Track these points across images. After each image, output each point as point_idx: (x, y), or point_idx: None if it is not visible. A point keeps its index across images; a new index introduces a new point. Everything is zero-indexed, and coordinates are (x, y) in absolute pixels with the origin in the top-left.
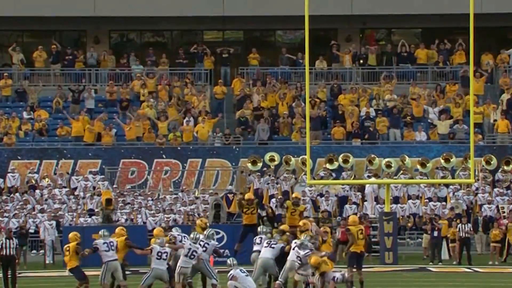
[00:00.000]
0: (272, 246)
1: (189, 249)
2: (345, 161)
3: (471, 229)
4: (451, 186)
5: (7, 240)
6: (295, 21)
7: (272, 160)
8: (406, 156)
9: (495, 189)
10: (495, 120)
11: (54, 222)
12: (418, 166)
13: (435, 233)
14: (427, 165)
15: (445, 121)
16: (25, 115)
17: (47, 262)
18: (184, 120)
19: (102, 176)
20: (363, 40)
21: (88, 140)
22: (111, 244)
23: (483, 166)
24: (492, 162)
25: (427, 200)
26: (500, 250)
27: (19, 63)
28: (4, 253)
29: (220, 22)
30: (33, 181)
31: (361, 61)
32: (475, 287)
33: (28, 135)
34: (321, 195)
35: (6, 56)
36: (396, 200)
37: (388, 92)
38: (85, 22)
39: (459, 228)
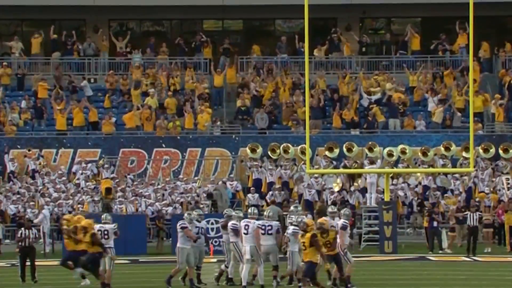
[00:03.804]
0: (269, 232)
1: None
2: (349, 150)
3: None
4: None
5: (26, 231)
6: (294, 10)
7: (273, 151)
8: (407, 147)
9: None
10: (501, 104)
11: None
12: (420, 155)
13: (435, 223)
14: (428, 154)
15: (438, 109)
16: (24, 104)
17: (47, 251)
18: (185, 108)
19: (106, 166)
20: (363, 29)
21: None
22: (105, 232)
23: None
24: (490, 150)
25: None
26: (493, 235)
27: (21, 53)
28: (23, 243)
29: (219, 11)
30: (30, 167)
31: (364, 49)
32: (474, 275)
33: (28, 124)
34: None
35: (6, 45)
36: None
37: (387, 81)
38: (85, 11)
39: (469, 217)
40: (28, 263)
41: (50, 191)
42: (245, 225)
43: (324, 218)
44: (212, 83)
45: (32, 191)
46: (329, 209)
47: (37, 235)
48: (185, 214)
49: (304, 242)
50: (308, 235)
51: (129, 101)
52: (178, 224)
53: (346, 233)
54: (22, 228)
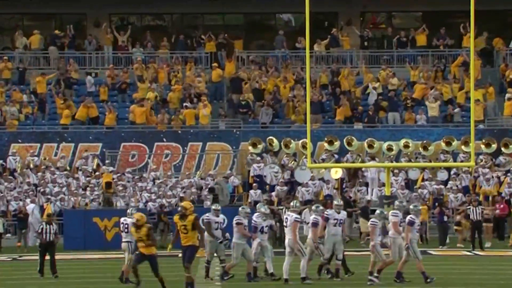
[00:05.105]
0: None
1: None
2: (349, 143)
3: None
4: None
5: (47, 226)
6: (295, 4)
7: (270, 144)
8: (410, 141)
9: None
10: (509, 99)
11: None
12: (421, 149)
13: (445, 218)
14: (429, 148)
15: (436, 103)
16: (25, 98)
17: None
18: (185, 104)
19: (107, 161)
20: (364, 24)
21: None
22: (126, 225)
23: (482, 150)
24: (492, 146)
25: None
26: (492, 230)
27: (26, 46)
28: (44, 238)
29: (220, 5)
30: (32, 164)
31: (366, 44)
32: (476, 270)
33: (29, 119)
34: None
35: (7, 40)
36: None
37: (389, 76)
38: (86, 5)
39: (472, 211)
40: (47, 258)
41: (50, 186)
42: (286, 217)
43: (188, 202)
44: (211, 77)
45: (32, 186)
46: (397, 202)
47: (57, 231)
48: (240, 209)
49: (185, 225)
50: (191, 217)
51: (127, 94)
52: (234, 220)
53: (414, 229)
54: (43, 223)
